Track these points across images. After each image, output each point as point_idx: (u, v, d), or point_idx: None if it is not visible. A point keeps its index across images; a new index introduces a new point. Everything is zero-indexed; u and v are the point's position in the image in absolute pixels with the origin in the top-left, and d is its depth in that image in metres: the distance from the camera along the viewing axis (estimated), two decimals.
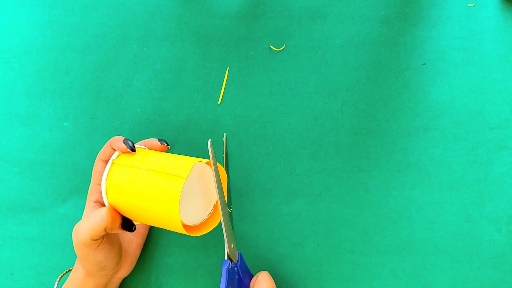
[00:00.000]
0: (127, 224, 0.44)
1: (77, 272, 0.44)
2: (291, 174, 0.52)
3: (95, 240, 0.41)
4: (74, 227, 0.42)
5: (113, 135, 0.53)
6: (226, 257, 0.44)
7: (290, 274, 0.50)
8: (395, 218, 0.51)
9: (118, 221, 0.42)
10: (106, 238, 0.43)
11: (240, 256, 0.45)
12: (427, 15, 0.55)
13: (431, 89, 0.53)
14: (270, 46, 0.55)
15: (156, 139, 0.46)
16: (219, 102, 0.54)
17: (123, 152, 0.44)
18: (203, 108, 0.54)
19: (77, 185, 0.52)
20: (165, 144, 0.46)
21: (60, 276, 0.48)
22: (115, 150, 0.44)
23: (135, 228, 0.45)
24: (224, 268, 0.42)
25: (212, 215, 0.45)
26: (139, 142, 0.47)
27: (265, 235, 0.51)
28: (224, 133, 0.45)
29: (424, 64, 0.54)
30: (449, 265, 0.50)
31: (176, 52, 0.55)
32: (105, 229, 0.41)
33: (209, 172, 0.45)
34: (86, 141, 0.53)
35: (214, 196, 0.46)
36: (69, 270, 0.49)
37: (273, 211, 0.52)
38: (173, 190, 0.39)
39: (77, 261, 0.45)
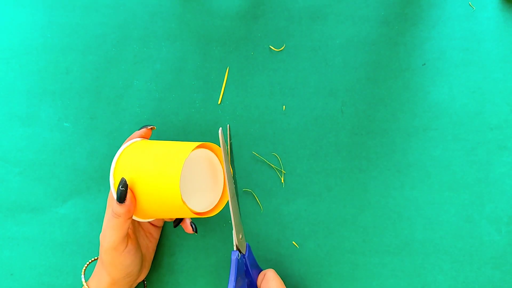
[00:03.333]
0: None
1: (101, 281, 0.44)
2: (291, 174, 0.52)
3: (122, 241, 0.42)
4: (101, 236, 0.43)
5: (113, 135, 0.53)
6: (234, 248, 0.44)
7: (290, 274, 0.50)
8: (395, 218, 0.51)
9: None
10: (131, 241, 0.44)
11: (248, 248, 0.45)
12: (427, 16, 0.55)
13: (431, 89, 0.53)
14: (270, 46, 0.55)
15: (139, 130, 0.48)
16: (219, 102, 0.54)
17: (138, 138, 0.46)
18: (203, 108, 0.54)
19: (77, 185, 0.52)
20: (150, 127, 0.48)
21: (85, 266, 0.48)
22: None
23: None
24: (234, 259, 0.42)
25: (219, 202, 0.46)
26: (127, 139, 0.47)
27: (265, 235, 0.51)
28: (228, 124, 0.45)
29: (424, 64, 0.54)
30: (449, 265, 0.50)
31: (176, 52, 0.55)
32: (127, 224, 0.42)
33: (217, 160, 0.46)
34: (86, 141, 0.53)
35: (221, 185, 0.46)
36: (95, 260, 0.49)
37: (273, 211, 0.52)
38: (175, 166, 0.40)
39: (98, 271, 0.45)
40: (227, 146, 0.45)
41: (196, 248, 0.51)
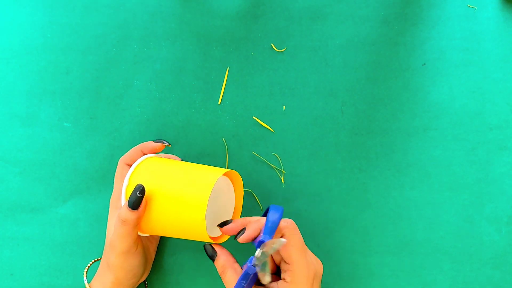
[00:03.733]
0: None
1: (105, 283, 0.44)
2: (291, 174, 0.52)
3: (134, 242, 0.42)
4: (110, 241, 0.42)
5: (113, 136, 0.53)
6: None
7: None
8: (395, 218, 0.51)
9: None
10: (140, 243, 0.44)
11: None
12: (427, 16, 0.55)
13: (431, 89, 0.53)
14: (272, 45, 0.55)
15: (151, 142, 0.47)
16: (219, 102, 0.54)
17: (152, 153, 0.46)
18: (203, 108, 0.54)
19: (77, 185, 0.52)
20: (166, 143, 0.47)
21: (87, 268, 0.47)
22: (143, 154, 0.46)
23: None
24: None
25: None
26: (135, 148, 0.47)
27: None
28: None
29: (424, 64, 0.54)
30: (449, 265, 0.50)
31: (176, 53, 0.55)
32: (134, 228, 0.42)
33: (228, 184, 0.47)
34: (86, 142, 0.53)
35: (231, 209, 0.48)
36: (96, 261, 0.49)
37: None
38: (201, 195, 0.40)
39: (102, 273, 0.45)
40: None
41: (196, 248, 0.51)
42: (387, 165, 0.52)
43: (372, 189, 0.52)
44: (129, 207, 0.41)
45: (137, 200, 0.40)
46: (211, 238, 0.43)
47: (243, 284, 0.39)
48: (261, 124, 0.53)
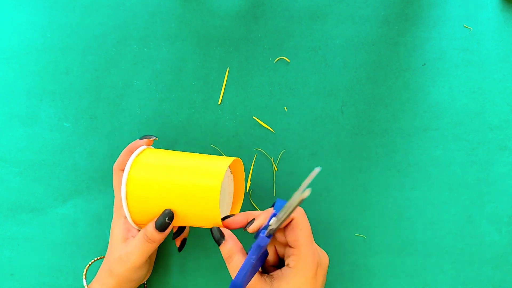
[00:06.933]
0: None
1: (105, 287, 0.44)
2: (291, 174, 0.52)
3: (148, 258, 0.43)
4: (123, 257, 0.42)
5: (113, 136, 0.53)
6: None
7: None
8: (395, 218, 0.51)
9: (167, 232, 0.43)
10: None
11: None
12: (427, 16, 0.55)
13: (431, 89, 0.53)
14: (283, 57, 0.55)
15: (138, 140, 0.46)
16: (219, 103, 0.54)
17: (143, 150, 0.44)
18: (203, 108, 0.54)
19: (77, 185, 0.52)
20: (153, 137, 0.46)
21: (86, 268, 0.47)
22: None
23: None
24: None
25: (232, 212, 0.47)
26: (124, 150, 0.46)
27: None
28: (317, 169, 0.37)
29: (424, 64, 0.54)
30: (449, 266, 0.50)
31: (176, 53, 0.55)
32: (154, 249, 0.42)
33: (229, 173, 0.47)
34: (86, 142, 0.53)
35: (230, 201, 0.48)
36: (99, 259, 0.49)
37: None
38: (215, 179, 0.40)
39: (103, 277, 0.44)
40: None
41: (196, 248, 0.51)
42: (387, 165, 0.52)
43: (373, 189, 0.52)
44: (156, 229, 0.41)
45: (164, 225, 0.41)
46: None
47: (252, 260, 0.37)
48: (261, 124, 0.53)
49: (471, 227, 0.50)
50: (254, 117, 0.53)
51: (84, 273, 0.46)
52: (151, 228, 0.41)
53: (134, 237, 0.43)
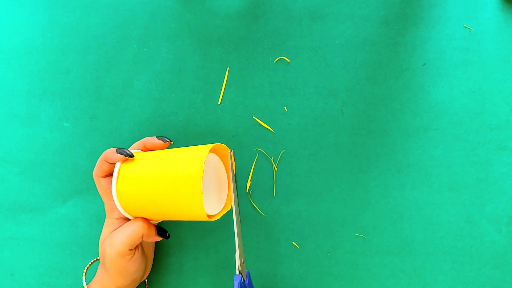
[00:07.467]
0: (162, 231, 0.45)
1: (104, 287, 0.44)
2: (291, 174, 0.52)
3: (131, 250, 0.43)
4: (108, 241, 0.43)
5: (113, 136, 0.53)
6: (237, 272, 0.43)
7: (290, 274, 0.50)
8: (395, 218, 0.51)
9: (154, 228, 0.44)
10: (139, 249, 0.44)
11: (249, 275, 0.44)
12: (427, 16, 0.55)
13: (431, 89, 0.53)
14: (283, 57, 0.55)
15: (155, 137, 0.46)
16: (219, 103, 0.54)
17: (123, 161, 0.44)
18: (203, 109, 0.54)
19: (77, 185, 0.52)
20: (168, 140, 0.46)
21: (86, 269, 0.47)
22: (110, 164, 0.44)
23: (169, 235, 0.46)
24: (236, 283, 0.42)
25: (224, 208, 0.46)
26: (138, 142, 0.47)
27: (265, 235, 0.51)
28: (231, 151, 0.44)
29: (424, 64, 0.54)
30: (449, 266, 0.50)
31: (176, 53, 0.55)
32: (142, 237, 0.43)
33: (221, 163, 0.47)
34: (86, 142, 0.53)
35: (225, 189, 0.47)
36: (95, 261, 0.49)
37: (273, 211, 0.51)
38: (195, 167, 0.40)
39: (101, 277, 0.45)
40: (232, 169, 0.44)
41: (196, 248, 0.51)
42: (387, 165, 0.52)
43: (372, 189, 0.52)
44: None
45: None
46: (209, 216, 0.43)
47: None
48: (261, 124, 0.53)
49: (471, 227, 0.50)
50: (254, 117, 0.53)
51: (84, 273, 0.46)
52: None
53: None
